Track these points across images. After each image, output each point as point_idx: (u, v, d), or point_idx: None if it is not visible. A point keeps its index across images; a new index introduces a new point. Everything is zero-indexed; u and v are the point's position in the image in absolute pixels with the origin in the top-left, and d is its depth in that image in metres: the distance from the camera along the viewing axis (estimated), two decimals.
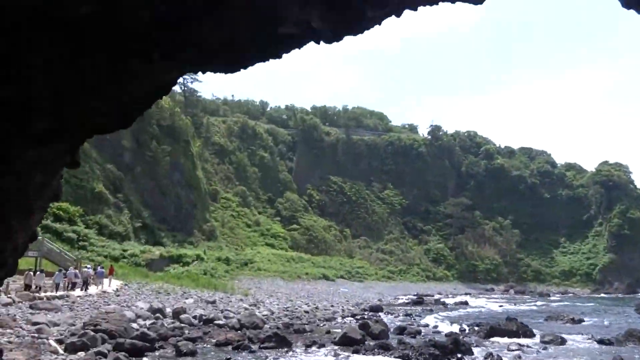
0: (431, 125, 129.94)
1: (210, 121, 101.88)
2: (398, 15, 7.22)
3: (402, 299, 63.35)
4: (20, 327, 20.09)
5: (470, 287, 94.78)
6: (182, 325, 26.04)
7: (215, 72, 8.99)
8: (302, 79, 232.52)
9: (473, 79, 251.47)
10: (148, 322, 25.13)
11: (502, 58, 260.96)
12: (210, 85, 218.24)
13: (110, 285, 36.47)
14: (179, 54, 7.60)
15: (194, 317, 28.13)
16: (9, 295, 25.86)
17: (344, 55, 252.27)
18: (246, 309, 34.79)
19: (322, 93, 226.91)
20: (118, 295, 33.39)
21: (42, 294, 28.16)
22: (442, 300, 62.93)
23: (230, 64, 8.62)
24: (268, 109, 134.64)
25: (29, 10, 6.15)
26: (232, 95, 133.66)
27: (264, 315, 31.90)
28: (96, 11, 6.21)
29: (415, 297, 64.55)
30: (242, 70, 9.04)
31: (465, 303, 59.87)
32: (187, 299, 36.58)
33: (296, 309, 39.39)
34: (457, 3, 7.32)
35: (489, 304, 61.58)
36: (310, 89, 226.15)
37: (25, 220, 9.38)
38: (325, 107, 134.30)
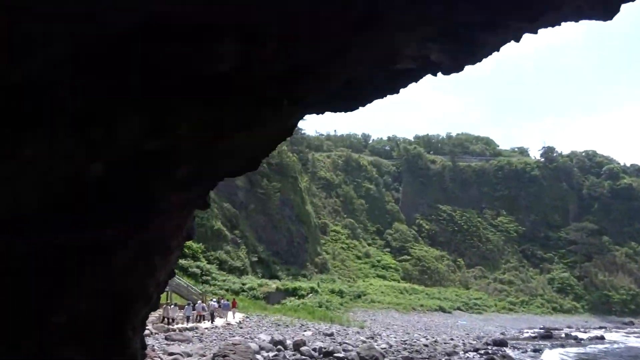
0: (543, 147, 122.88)
1: (315, 157, 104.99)
2: (517, 41, 7.13)
3: (527, 332, 59.07)
4: (159, 357, 21.76)
5: (605, 321, 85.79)
6: (303, 357, 26.55)
7: (335, 111, 9.39)
8: (402, 108, 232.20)
9: (584, 96, 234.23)
10: (271, 354, 25.98)
11: (613, 73, 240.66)
12: (313, 122, 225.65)
13: (234, 317, 38.32)
14: (304, 98, 8.13)
15: (314, 350, 28.52)
16: (147, 327, 28.19)
17: (443, 82, 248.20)
18: (364, 341, 34.58)
19: (423, 121, 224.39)
20: (241, 328, 34.98)
21: (175, 326, 30.36)
22: (573, 334, 57.80)
23: (350, 102, 9.01)
24: (370, 141, 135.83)
25: (181, 69, 6.99)
26: (335, 130, 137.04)
27: (382, 349, 31.48)
28: (235, 67, 6.90)
29: (542, 330, 59.91)
30: (360, 107, 9.40)
31: (601, 338, 54.43)
32: (305, 331, 37.28)
33: (414, 342, 38.39)
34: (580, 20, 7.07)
35: (630, 339, 55.43)
36: (411, 117, 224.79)
37: (165, 258, 10.41)
38: (428, 135, 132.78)
